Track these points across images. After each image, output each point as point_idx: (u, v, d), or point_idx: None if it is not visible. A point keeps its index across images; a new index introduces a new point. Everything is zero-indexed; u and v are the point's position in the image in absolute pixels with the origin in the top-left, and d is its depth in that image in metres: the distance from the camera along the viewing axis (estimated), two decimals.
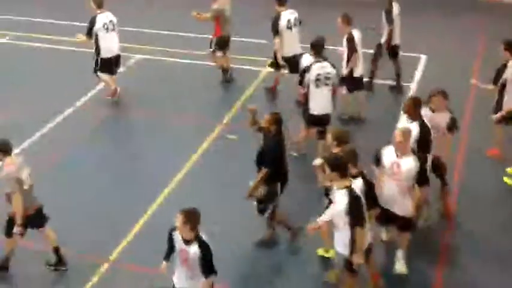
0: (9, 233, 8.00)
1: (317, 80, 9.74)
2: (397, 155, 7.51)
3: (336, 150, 7.58)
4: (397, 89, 12.49)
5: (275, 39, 11.68)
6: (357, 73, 11.15)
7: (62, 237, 8.31)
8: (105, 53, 11.98)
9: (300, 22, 11.85)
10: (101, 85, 12.73)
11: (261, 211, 8.33)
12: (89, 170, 10.41)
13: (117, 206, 9.51)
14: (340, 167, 6.85)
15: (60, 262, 8.27)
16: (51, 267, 8.28)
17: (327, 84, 9.81)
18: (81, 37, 12.10)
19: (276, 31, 11.61)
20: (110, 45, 11.96)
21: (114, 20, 11.99)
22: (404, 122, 8.29)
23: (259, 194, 8.17)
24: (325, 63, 9.85)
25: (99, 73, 12.18)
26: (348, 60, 10.98)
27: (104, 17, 11.86)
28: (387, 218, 7.78)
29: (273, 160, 8.05)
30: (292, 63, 11.47)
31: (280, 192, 8.31)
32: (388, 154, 7.61)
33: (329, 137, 7.99)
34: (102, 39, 11.86)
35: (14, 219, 7.79)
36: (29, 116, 11.87)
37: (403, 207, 7.63)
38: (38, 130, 11.50)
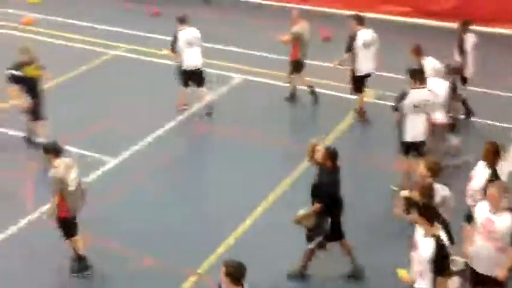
0: (67, 234, 8.36)
1: (415, 106, 9.50)
2: (491, 211, 6.91)
3: (428, 181, 7.32)
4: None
5: (345, 55, 11.91)
6: None
7: (150, 246, 8.44)
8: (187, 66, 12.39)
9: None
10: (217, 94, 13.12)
11: (309, 239, 8.19)
12: (179, 185, 10.56)
13: (205, 223, 9.60)
14: (430, 215, 6.47)
15: (82, 266, 8.51)
16: (75, 274, 8.50)
17: (424, 112, 9.60)
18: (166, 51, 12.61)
19: (348, 48, 11.75)
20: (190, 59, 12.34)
21: (198, 35, 12.38)
22: (481, 168, 7.79)
23: (309, 225, 8.05)
24: (425, 90, 9.65)
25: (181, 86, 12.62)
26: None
27: (186, 33, 12.23)
28: (477, 279, 7.16)
29: (327, 195, 7.94)
30: (363, 81, 12.01)
31: (340, 229, 8.16)
32: (481, 210, 7.02)
33: (422, 166, 7.64)
34: (184, 54, 12.25)
35: (64, 219, 8.21)
36: (130, 127, 12.17)
37: (497, 268, 6.95)
38: (136, 143, 11.71)
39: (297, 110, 13.13)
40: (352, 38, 11.75)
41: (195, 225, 9.58)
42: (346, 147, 11.38)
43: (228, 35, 13.77)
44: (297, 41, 12.54)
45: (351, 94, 12.43)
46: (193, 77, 12.53)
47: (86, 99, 12.87)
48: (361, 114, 12.40)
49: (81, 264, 8.53)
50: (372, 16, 15.52)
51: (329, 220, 8.08)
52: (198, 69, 12.52)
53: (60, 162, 8.14)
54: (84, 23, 17.71)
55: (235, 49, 15.45)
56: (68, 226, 8.31)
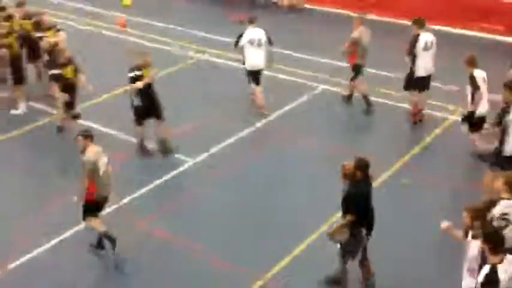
0: (87, 214, 8.85)
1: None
2: None
3: (505, 195, 7.17)
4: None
5: (406, 58, 12.20)
6: (480, 112, 10.82)
7: (220, 247, 8.58)
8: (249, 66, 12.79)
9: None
10: (290, 105, 13.16)
11: (342, 255, 8.05)
12: (253, 190, 10.62)
13: (277, 229, 9.58)
14: (497, 242, 6.30)
15: (100, 246, 9.01)
16: (92, 248, 9.03)
17: None
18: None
19: (410, 51, 12.09)
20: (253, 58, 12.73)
21: (263, 38, 12.68)
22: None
23: (343, 239, 7.90)
24: None
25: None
26: (473, 99, 10.74)
27: (251, 32, 12.66)
28: None
29: (358, 207, 7.77)
30: (424, 83, 12.27)
31: (367, 239, 8.00)
32: None
33: (500, 180, 7.43)
34: (246, 52, 12.68)
35: (89, 202, 8.73)
36: (210, 130, 12.35)
37: None
38: (214, 146, 11.85)
39: (375, 121, 12.96)
40: (414, 41, 12.09)
41: (266, 230, 9.60)
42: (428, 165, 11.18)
43: (317, 44, 13.74)
44: (355, 46, 12.76)
45: (404, 89, 12.58)
46: (254, 76, 12.90)
47: (171, 100, 13.14)
48: (414, 115, 12.52)
49: (100, 242, 9.03)
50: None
51: (363, 232, 7.93)
52: (260, 69, 12.89)
53: (93, 148, 8.75)
54: (172, 26, 18.13)
55: (323, 60, 15.37)
56: (89, 208, 8.82)
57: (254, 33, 12.73)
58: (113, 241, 8.86)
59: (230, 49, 14.07)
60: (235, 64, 15.14)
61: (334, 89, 14.06)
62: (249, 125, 12.63)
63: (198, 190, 10.71)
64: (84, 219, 8.96)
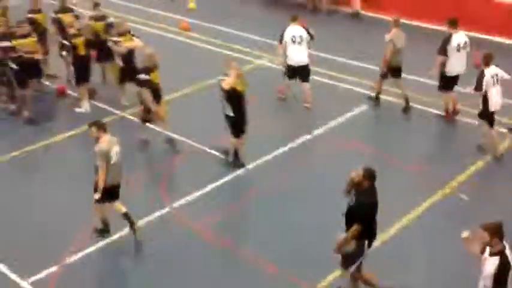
0: (98, 200, 9.24)
1: None
2: None
3: None
4: None
5: (438, 58, 12.42)
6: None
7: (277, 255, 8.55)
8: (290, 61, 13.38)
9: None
10: (357, 110, 13.28)
11: (346, 266, 7.95)
12: (312, 198, 10.54)
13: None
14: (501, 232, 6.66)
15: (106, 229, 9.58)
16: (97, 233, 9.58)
17: None
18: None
19: (443, 51, 12.29)
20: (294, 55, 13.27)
21: (304, 34, 13.24)
22: None
23: (351, 249, 7.81)
24: None
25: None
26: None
27: (291, 30, 13.23)
28: None
29: (365, 216, 7.69)
30: (453, 82, 12.62)
31: (368, 248, 7.90)
32: None
33: None
34: (288, 50, 13.28)
35: (97, 188, 9.14)
36: (268, 135, 12.34)
37: None
38: (271, 152, 11.87)
39: (436, 134, 12.79)
40: (446, 40, 12.30)
41: (324, 241, 9.37)
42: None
43: (380, 54, 13.61)
44: (390, 47, 13.08)
45: (438, 91, 12.78)
46: (298, 73, 13.35)
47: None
48: (449, 115, 12.78)
49: (102, 229, 9.56)
50: None
51: (366, 242, 7.84)
52: (304, 65, 13.31)
53: (106, 137, 9.14)
54: (232, 31, 18.23)
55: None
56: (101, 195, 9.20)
57: (294, 30, 13.22)
58: (132, 223, 9.36)
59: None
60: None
61: (395, 99, 13.85)
62: (307, 131, 12.59)
63: (253, 195, 10.75)
64: (95, 202, 9.34)
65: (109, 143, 9.12)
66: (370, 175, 7.77)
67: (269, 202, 10.44)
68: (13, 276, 8.86)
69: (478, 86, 11.14)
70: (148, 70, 11.74)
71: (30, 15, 14.68)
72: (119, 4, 20.72)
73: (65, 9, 14.97)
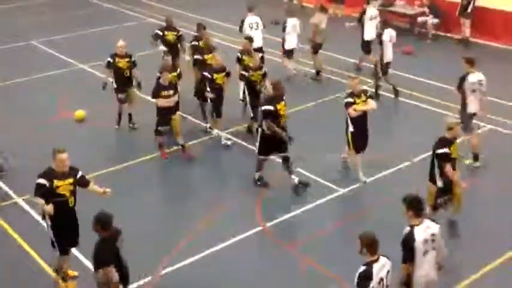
0: None
1: None
2: None
3: None
4: None
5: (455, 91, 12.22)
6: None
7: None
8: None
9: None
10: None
11: None
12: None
13: None
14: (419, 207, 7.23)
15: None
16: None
17: None
18: None
19: (459, 87, 11.98)
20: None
21: (259, 21, 15.90)
22: None
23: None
24: None
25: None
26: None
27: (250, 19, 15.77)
28: None
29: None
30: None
31: None
32: None
33: None
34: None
35: None
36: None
37: None
38: (367, 177, 11.81)
39: None
40: (463, 79, 11.97)
41: None
42: None
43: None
44: (314, 29, 15.86)
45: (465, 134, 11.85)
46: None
47: (331, 127, 13.33)
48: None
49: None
50: None
51: None
52: (259, 47, 15.44)
53: None
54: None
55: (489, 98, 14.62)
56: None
57: (252, 19, 15.85)
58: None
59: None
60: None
61: (499, 128, 13.45)
62: (406, 159, 12.41)
63: (342, 220, 10.81)
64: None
65: None
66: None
67: (361, 226, 10.28)
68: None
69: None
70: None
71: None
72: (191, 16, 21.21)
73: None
